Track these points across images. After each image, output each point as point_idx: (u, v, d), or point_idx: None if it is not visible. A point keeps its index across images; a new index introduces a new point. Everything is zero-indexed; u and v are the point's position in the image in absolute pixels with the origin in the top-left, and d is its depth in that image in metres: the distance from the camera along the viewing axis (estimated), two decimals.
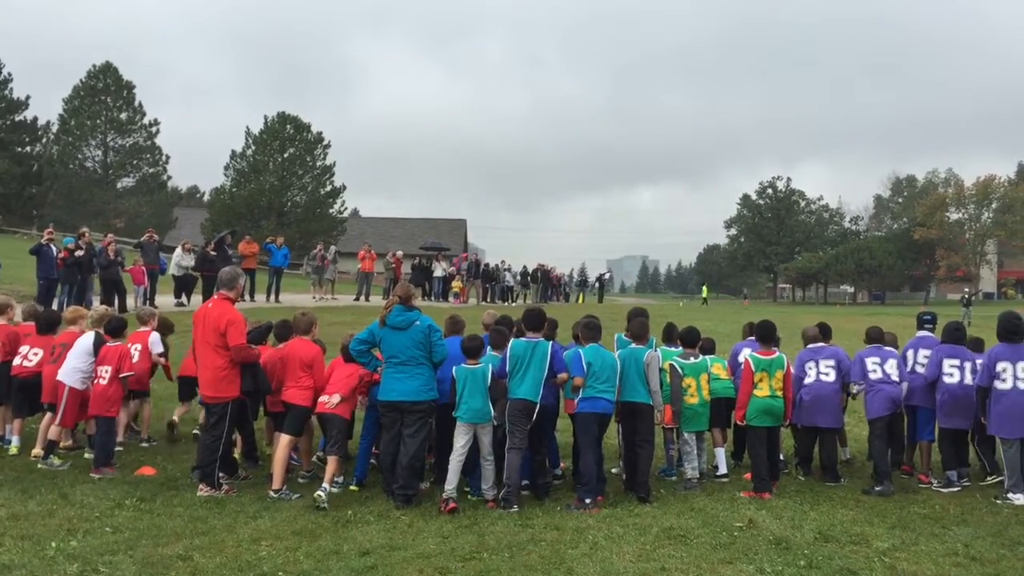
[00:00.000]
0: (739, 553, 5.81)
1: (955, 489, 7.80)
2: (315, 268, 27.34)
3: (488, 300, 31.90)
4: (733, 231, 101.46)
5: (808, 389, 8.34)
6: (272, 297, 23.93)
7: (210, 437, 7.29)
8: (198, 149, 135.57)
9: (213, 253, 20.78)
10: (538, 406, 7.21)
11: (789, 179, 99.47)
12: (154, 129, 55.85)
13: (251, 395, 7.78)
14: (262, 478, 7.82)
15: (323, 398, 7.47)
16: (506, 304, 32.36)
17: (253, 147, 56.63)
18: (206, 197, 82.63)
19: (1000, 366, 7.70)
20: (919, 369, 8.56)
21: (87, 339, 8.27)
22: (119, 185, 56.01)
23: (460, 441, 7.17)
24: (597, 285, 46.44)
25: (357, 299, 26.85)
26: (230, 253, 21.81)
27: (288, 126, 56.79)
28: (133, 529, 6.16)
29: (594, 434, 7.33)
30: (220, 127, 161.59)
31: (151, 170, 56.32)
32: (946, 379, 8.15)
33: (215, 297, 7.62)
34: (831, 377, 8.36)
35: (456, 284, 31.30)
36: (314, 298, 26.23)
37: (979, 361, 8.05)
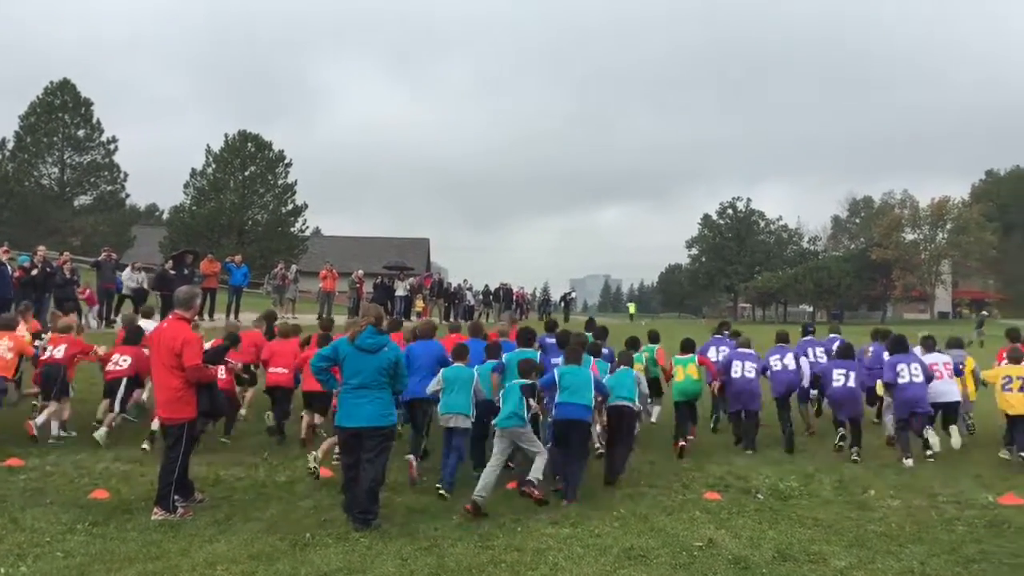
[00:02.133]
0: (699, 573, 5.84)
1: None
2: (276, 287, 27.11)
3: (450, 319, 31.81)
4: (694, 251, 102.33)
5: (735, 382, 11.15)
6: (232, 316, 23.63)
7: (166, 459, 7.16)
8: (157, 167, 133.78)
9: (172, 272, 20.52)
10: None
11: (749, 199, 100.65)
12: (112, 146, 55.05)
13: (207, 415, 7.73)
14: (219, 500, 7.72)
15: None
16: (467, 323, 32.29)
17: (213, 165, 56.08)
18: (165, 215, 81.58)
19: (899, 367, 10.51)
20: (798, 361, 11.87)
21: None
22: (76, 203, 55.07)
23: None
24: (562, 305, 46.57)
25: (319, 318, 26.61)
26: (188, 272, 21.56)
27: (249, 144, 56.33)
28: (85, 554, 6.03)
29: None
30: (180, 145, 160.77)
31: (109, 188, 55.47)
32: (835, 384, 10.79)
33: (170, 317, 7.53)
34: (752, 374, 11.16)
35: (419, 303, 31.21)
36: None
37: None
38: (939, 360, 11.27)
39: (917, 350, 11.37)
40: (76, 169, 54.67)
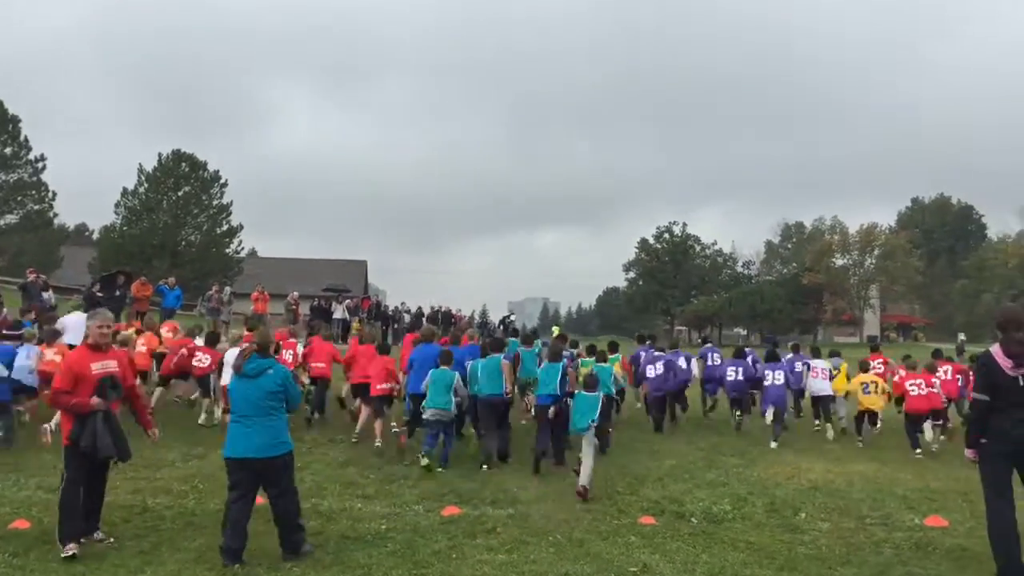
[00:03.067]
0: None
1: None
2: (210, 309, 26.62)
3: (388, 341, 31.57)
4: (631, 274, 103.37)
5: (651, 380, 15.07)
6: None
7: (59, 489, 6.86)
8: (88, 186, 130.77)
9: (100, 294, 20.05)
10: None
11: (685, 224, 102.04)
12: (40, 165, 53.62)
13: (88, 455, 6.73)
14: (146, 529, 7.52)
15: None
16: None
17: (146, 185, 54.99)
18: (95, 235, 79.67)
19: (767, 372, 14.34)
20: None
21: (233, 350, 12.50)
22: (1, 222, 53.51)
23: None
24: (501, 328, 46.52)
25: None
26: (120, 294, 21.11)
27: (183, 164, 55.40)
28: None
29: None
30: (112, 163, 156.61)
31: (36, 207, 53.94)
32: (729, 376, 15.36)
33: (79, 344, 7.45)
34: (661, 372, 14.87)
35: (355, 325, 30.92)
36: None
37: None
38: (819, 365, 15.43)
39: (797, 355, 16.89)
40: (2, 188, 53.07)
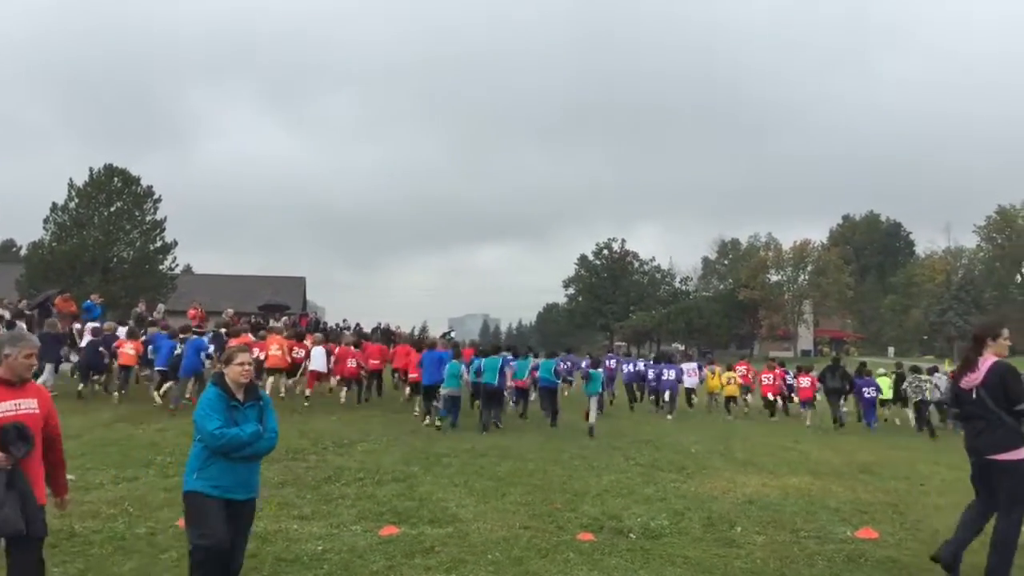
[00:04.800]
0: None
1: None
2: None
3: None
4: (571, 291, 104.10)
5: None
6: None
7: None
8: (15, 201, 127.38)
9: (28, 312, 19.54)
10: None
11: (624, 241, 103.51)
12: None
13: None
14: (73, 555, 7.30)
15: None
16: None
17: (76, 200, 53.68)
18: (23, 251, 77.44)
19: (664, 370, 23.41)
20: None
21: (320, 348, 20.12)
22: None
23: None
24: None
25: None
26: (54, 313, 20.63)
27: (116, 179, 54.19)
28: None
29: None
30: (41, 177, 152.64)
31: None
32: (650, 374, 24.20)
33: None
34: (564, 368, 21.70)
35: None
36: None
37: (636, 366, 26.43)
38: (691, 366, 24.39)
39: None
40: None
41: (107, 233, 53.39)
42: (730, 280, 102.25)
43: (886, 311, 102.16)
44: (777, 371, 24.61)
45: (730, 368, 24.97)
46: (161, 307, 27.98)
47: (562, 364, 21.30)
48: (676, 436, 16.66)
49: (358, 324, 38.31)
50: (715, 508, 9.68)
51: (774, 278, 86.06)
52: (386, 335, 37.84)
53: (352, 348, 20.29)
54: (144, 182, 55.55)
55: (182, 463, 10.29)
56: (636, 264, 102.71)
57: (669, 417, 20.99)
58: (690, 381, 23.39)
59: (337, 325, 34.61)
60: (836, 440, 15.86)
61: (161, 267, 55.36)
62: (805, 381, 21.97)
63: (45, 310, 20.31)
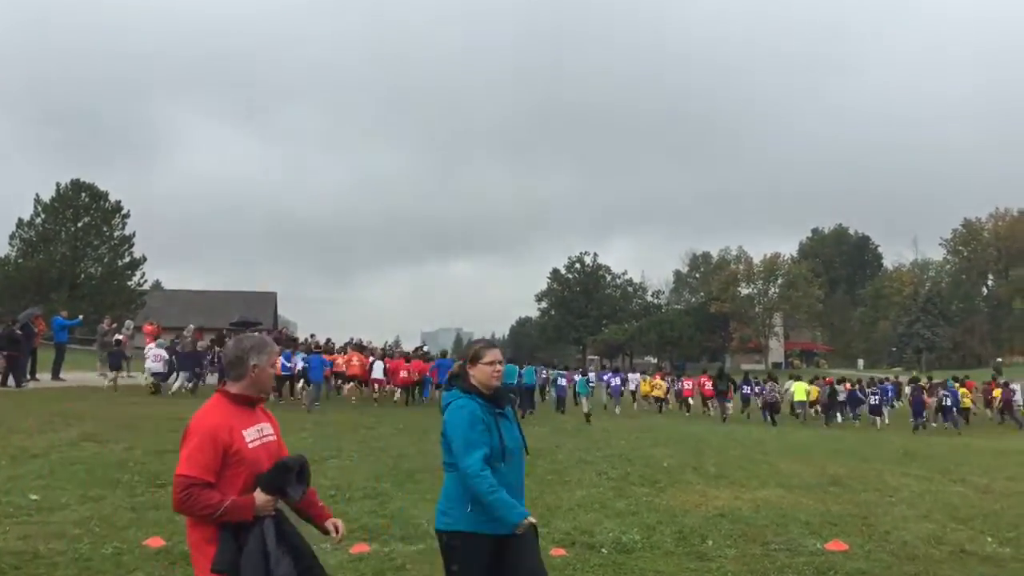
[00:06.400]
0: None
1: None
2: (103, 344, 25.76)
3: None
4: (544, 304, 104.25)
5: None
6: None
7: None
8: None
9: (18, 332, 19.63)
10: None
11: (596, 254, 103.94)
12: None
13: None
14: None
15: None
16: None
17: (43, 215, 53.13)
18: None
19: (606, 378, 37.37)
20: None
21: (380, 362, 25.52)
22: None
23: None
24: None
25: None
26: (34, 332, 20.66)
27: (83, 194, 53.77)
28: None
29: None
30: (6, 193, 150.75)
31: None
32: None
33: None
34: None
35: None
36: (101, 375, 24.63)
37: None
38: (634, 376, 36.16)
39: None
40: None
41: (74, 249, 52.92)
42: (701, 293, 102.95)
43: (855, 323, 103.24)
44: (684, 378, 36.23)
45: (654, 376, 35.58)
46: (129, 323, 27.60)
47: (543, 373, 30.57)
48: (648, 450, 16.69)
49: (329, 339, 38.10)
50: (687, 522, 9.70)
51: (745, 291, 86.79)
52: (359, 350, 37.67)
53: (403, 361, 26.32)
54: (112, 197, 55.17)
55: (149, 482, 10.25)
56: (608, 278, 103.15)
57: (617, 410, 31.59)
58: (632, 386, 35.28)
59: (305, 340, 34.38)
60: (807, 453, 15.96)
61: (130, 283, 54.97)
62: (688, 384, 33.53)
63: (27, 328, 20.27)
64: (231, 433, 3.85)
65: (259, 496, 3.84)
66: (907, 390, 33.35)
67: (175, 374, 23.15)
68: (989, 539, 9.08)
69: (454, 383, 4.77)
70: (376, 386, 25.64)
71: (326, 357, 24.59)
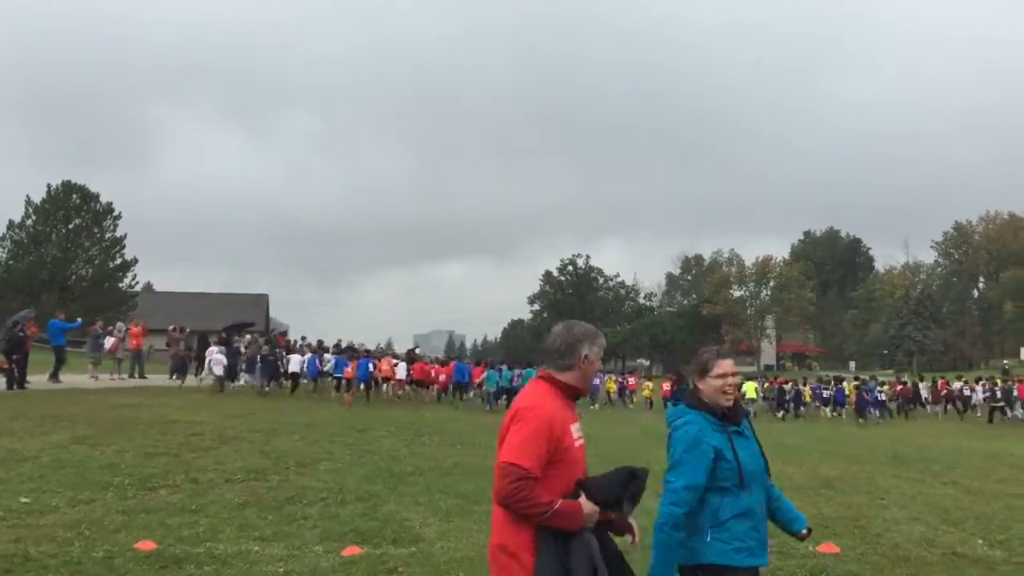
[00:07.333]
0: None
1: None
2: (95, 347, 25.69)
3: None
4: (536, 306, 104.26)
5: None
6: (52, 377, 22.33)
7: None
8: None
9: (21, 334, 19.67)
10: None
11: (588, 257, 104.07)
12: None
13: None
14: None
15: None
16: None
17: (34, 217, 52.94)
18: None
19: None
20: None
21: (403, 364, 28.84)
22: None
23: None
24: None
25: (131, 376, 25.81)
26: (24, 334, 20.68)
27: (74, 196, 53.62)
28: None
29: None
30: None
31: None
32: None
33: None
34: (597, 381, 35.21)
35: None
36: (92, 378, 24.57)
37: None
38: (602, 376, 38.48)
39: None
40: None
41: (65, 251, 52.76)
42: (694, 296, 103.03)
43: (847, 326, 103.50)
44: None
45: (618, 377, 41.29)
46: (121, 325, 27.52)
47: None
48: (643, 453, 16.70)
49: (320, 341, 38.06)
50: None
51: (737, 294, 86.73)
52: (351, 352, 37.62)
53: (439, 366, 30.84)
54: (103, 199, 55.01)
55: (140, 485, 10.22)
56: (601, 280, 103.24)
57: (595, 407, 33.53)
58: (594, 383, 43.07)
59: (297, 341, 34.40)
60: (798, 455, 15.99)
61: (121, 285, 54.79)
62: (631, 380, 41.32)
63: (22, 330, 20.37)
64: (564, 426, 3.43)
65: (586, 504, 3.42)
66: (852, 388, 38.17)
67: (240, 375, 26.33)
68: (980, 541, 9.11)
69: (681, 398, 4.16)
70: (397, 386, 28.76)
71: (393, 363, 29.05)
